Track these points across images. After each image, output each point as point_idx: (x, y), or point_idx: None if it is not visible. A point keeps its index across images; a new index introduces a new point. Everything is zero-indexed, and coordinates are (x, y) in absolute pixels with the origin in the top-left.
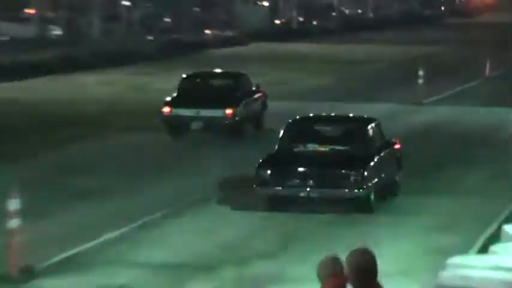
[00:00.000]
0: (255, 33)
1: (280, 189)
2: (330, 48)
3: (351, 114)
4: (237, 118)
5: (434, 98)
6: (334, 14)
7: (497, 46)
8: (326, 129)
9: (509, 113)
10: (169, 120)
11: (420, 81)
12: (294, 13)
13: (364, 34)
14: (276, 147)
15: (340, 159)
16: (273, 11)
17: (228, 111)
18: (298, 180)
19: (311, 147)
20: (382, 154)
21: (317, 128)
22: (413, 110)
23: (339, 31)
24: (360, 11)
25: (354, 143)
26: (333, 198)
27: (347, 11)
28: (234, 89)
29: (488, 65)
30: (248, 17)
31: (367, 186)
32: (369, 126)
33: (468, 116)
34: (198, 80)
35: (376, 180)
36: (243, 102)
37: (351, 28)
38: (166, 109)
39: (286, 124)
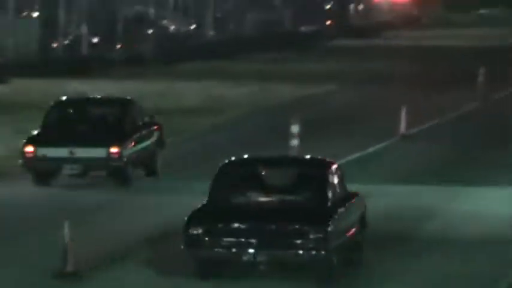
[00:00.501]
0: (20, 63)
1: (216, 252)
2: (143, 87)
3: (303, 155)
4: (124, 159)
5: None
6: (150, 31)
7: (419, 86)
8: (273, 174)
9: (437, 195)
10: (34, 163)
11: (296, 142)
12: (84, 30)
13: (199, 64)
14: (207, 198)
15: (294, 212)
16: (49, 27)
17: (113, 149)
18: (240, 240)
19: (254, 197)
20: (345, 208)
21: (260, 172)
22: None
23: (159, 60)
24: (193, 26)
25: (311, 192)
26: (285, 262)
27: (172, 27)
28: (119, 120)
29: (403, 117)
30: (8, 37)
31: (330, 247)
32: (330, 171)
33: (372, 199)
34: (71, 109)
35: (340, 240)
36: (133, 138)
37: (180, 54)
38: (28, 149)
39: (219, 168)
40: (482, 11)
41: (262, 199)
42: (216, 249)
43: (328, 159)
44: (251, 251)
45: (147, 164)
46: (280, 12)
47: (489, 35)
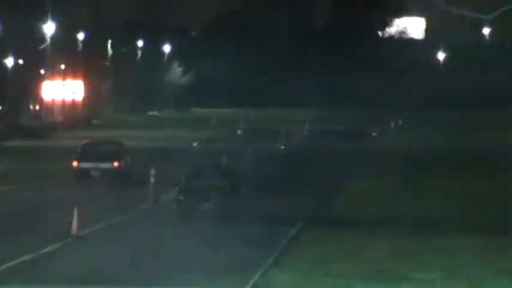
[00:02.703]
0: None
1: (189, 205)
2: None
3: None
4: (121, 169)
5: None
6: None
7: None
8: (209, 170)
9: None
10: (77, 170)
11: None
12: None
13: None
14: (183, 180)
15: (224, 185)
16: None
17: (116, 163)
18: (201, 199)
19: (203, 179)
20: (237, 177)
21: (204, 170)
22: None
23: None
24: None
25: (228, 177)
26: (221, 207)
27: None
28: (117, 150)
29: (75, 218)
30: None
31: (239, 193)
32: (232, 167)
33: None
34: (92, 145)
35: (240, 188)
36: (124, 159)
37: None
38: (75, 163)
39: (188, 168)
40: (152, 113)
41: (206, 181)
42: (189, 203)
43: (228, 163)
44: (205, 204)
45: (129, 172)
46: None
47: (160, 136)
